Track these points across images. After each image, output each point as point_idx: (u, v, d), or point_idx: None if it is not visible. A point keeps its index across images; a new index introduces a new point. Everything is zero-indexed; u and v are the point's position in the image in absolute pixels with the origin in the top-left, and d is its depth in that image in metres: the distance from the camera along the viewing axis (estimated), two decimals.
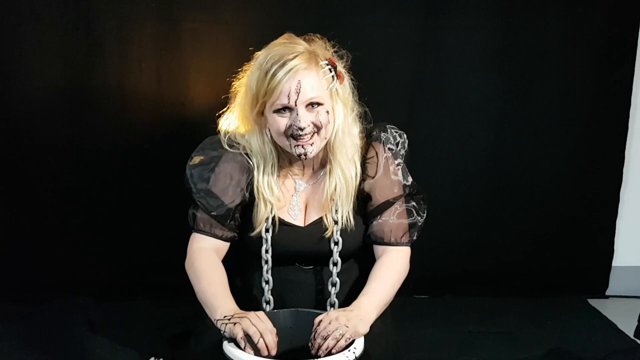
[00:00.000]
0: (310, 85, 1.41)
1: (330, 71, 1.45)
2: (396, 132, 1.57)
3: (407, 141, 1.57)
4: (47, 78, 2.03)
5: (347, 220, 1.50)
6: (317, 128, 1.44)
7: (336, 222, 1.50)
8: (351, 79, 1.54)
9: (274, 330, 1.31)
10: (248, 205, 1.54)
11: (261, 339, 1.27)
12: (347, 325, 1.30)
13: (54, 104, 2.05)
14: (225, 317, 1.33)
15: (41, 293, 2.09)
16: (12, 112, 2.05)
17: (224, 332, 1.32)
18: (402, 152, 1.56)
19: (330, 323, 1.30)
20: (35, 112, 2.05)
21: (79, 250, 2.14)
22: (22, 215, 2.12)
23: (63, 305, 2.03)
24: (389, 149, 1.54)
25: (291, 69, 1.39)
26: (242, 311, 1.36)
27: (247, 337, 1.28)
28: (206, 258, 1.49)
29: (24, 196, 2.11)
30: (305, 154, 1.45)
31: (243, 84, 1.51)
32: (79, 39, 2.01)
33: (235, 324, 1.30)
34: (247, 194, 1.53)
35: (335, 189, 1.50)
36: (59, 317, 1.96)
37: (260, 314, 1.34)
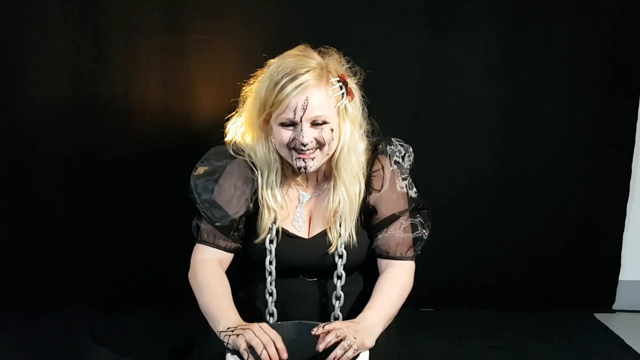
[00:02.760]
0: (317, 102, 1.41)
1: (341, 88, 1.45)
2: (402, 145, 1.56)
3: (412, 155, 1.57)
4: (54, 88, 2.04)
5: (350, 237, 1.50)
6: (320, 145, 1.44)
7: (340, 235, 1.49)
8: (362, 96, 1.53)
9: (279, 337, 1.30)
10: (252, 216, 1.53)
11: (264, 351, 1.26)
12: (355, 336, 1.29)
13: (62, 115, 2.06)
14: (228, 328, 1.32)
15: (44, 303, 2.09)
16: (20, 122, 2.06)
17: (227, 344, 1.31)
18: (408, 165, 1.56)
19: (340, 328, 1.29)
20: (43, 122, 2.06)
21: (82, 260, 2.14)
22: (25, 223, 2.12)
23: (66, 316, 2.04)
24: (395, 162, 1.53)
25: (300, 84, 1.39)
26: (245, 323, 1.35)
27: (251, 349, 1.27)
28: (209, 270, 1.48)
29: (28, 205, 2.11)
30: (305, 168, 1.45)
31: (253, 90, 1.50)
32: (87, 49, 2.02)
33: (238, 335, 1.29)
34: (251, 205, 1.52)
35: (339, 205, 1.50)
36: (62, 327, 1.97)
37: (264, 325, 1.33)
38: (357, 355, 1.28)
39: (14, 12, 1.98)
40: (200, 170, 1.53)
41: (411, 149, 1.57)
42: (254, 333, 1.29)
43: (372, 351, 1.33)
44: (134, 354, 1.82)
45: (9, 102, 2.04)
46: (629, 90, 2.20)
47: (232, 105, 1.60)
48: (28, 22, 1.99)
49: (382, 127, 1.60)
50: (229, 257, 1.54)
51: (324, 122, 1.42)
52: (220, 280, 1.47)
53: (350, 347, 1.26)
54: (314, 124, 1.42)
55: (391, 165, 1.53)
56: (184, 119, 2.07)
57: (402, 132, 1.64)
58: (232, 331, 1.31)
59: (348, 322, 1.34)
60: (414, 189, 1.55)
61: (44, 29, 2.00)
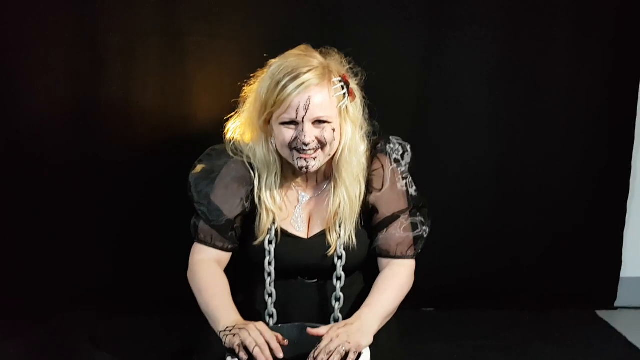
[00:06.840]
0: (319, 102, 1.40)
1: (343, 88, 1.44)
2: (400, 143, 1.56)
3: (411, 153, 1.57)
4: (52, 93, 2.03)
5: (350, 239, 1.49)
6: (322, 144, 1.44)
7: (339, 237, 1.49)
8: (363, 97, 1.53)
9: (273, 337, 1.31)
10: (250, 216, 1.53)
11: (256, 348, 1.27)
12: (349, 341, 1.30)
13: (59, 118, 2.05)
14: (227, 328, 1.33)
15: (43, 308, 2.09)
16: (18, 127, 2.05)
17: (225, 343, 1.31)
18: (407, 163, 1.55)
19: (332, 341, 1.30)
20: (41, 127, 2.05)
21: (81, 264, 2.13)
22: (24, 228, 2.11)
23: (65, 321, 2.03)
24: (395, 160, 1.53)
25: (302, 84, 1.38)
26: (244, 322, 1.36)
27: (246, 348, 1.28)
28: (208, 269, 1.49)
29: (28, 210, 2.10)
30: (307, 167, 1.45)
31: (253, 90, 1.50)
32: (84, 53, 2.01)
33: (234, 335, 1.30)
34: (247, 205, 1.52)
35: (339, 206, 1.49)
36: (62, 333, 1.96)
37: (260, 324, 1.33)
38: (359, 356, 1.28)
39: (10, 17, 1.97)
40: (198, 168, 1.53)
41: (409, 147, 1.57)
42: (249, 333, 1.29)
43: (374, 351, 1.33)
44: (135, 358, 1.81)
45: (6, 107, 2.03)
46: (628, 87, 2.19)
47: (230, 108, 1.60)
48: (25, 26, 1.98)
49: (381, 127, 1.60)
50: (226, 256, 1.54)
51: (326, 122, 1.42)
52: (219, 279, 1.47)
53: (346, 353, 1.28)
54: (316, 123, 1.42)
55: (391, 164, 1.53)
56: (182, 122, 2.06)
57: (401, 131, 1.64)
58: (230, 331, 1.31)
59: (341, 326, 1.34)
60: (414, 187, 1.56)
61: (41, 34, 1.99)
